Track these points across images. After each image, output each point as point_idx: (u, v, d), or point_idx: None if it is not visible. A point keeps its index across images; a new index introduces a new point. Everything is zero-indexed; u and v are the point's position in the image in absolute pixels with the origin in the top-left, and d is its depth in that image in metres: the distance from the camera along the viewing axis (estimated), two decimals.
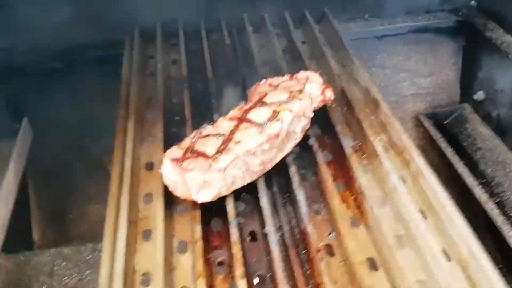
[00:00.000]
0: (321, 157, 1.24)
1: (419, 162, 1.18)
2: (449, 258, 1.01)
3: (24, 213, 1.96)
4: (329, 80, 1.56)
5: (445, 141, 1.93)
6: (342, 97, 1.47)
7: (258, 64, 1.63)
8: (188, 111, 1.41)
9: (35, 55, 1.88)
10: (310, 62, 1.63)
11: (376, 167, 1.23)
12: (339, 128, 1.34)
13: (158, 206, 1.14)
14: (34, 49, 1.86)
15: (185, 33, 1.82)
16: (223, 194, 1.11)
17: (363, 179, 1.17)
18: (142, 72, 1.65)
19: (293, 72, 1.56)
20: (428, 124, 2.01)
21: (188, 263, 1.05)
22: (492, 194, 1.77)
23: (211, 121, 1.33)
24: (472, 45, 1.98)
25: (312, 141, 1.29)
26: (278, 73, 1.53)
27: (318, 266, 0.99)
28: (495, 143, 1.91)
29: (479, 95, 1.99)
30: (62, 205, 2.09)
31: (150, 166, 1.30)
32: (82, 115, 2.03)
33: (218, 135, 1.14)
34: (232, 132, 1.14)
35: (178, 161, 1.07)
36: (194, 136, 1.16)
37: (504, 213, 1.70)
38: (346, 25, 1.91)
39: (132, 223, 1.13)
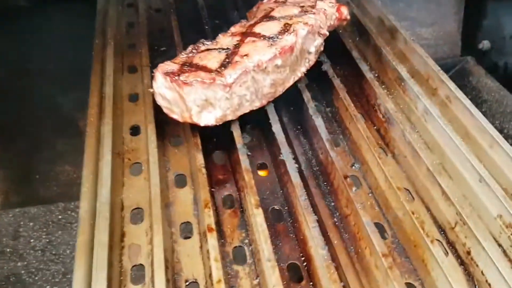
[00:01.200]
0: (338, 83, 1.07)
1: (450, 86, 1.03)
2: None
3: None
4: None
5: None
6: (354, 24, 1.30)
7: None
8: (177, 36, 1.21)
9: None
10: None
11: (400, 95, 1.07)
12: (355, 53, 1.17)
13: (149, 136, 0.94)
14: None
15: None
16: (229, 118, 0.92)
17: (389, 103, 1.01)
18: (120, 2, 1.43)
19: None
20: None
21: (188, 197, 0.87)
22: None
23: None
24: None
25: (326, 67, 1.11)
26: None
27: (345, 196, 0.82)
28: (503, 94, 1.78)
29: (485, 44, 1.86)
30: (28, 164, 1.84)
31: (134, 97, 1.10)
32: (51, 62, 1.79)
33: (220, 49, 0.95)
34: (237, 46, 0.95)
35: (174, 74, 0.88)
36: (191, 51, 0.96)
37: None
38: None
39: (117, 154, 0.93)
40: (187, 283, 0.75)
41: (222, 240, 0.80)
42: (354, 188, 0.82)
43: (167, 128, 1.00)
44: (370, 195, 0.88)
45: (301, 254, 0.80)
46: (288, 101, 1.04)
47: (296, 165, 0.86)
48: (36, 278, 1.30)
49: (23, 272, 1.31)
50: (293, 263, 0.79)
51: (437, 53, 1.98)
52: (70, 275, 1.32)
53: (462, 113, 0.98)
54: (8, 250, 1.36)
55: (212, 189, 0.89)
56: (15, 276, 1.30)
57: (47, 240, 1.39)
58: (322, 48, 1.09)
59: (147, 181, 0.88)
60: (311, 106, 1.00)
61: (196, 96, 0.87)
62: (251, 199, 0.79)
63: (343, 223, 0.83)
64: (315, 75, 1.09)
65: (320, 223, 0.79)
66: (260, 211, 0.77)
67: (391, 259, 0.74)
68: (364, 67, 1.12)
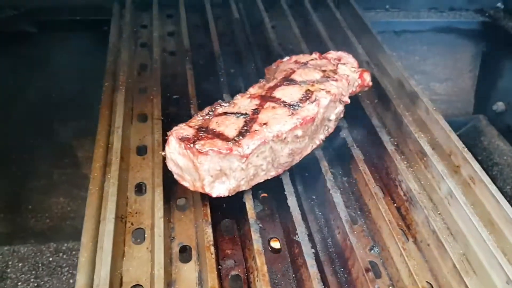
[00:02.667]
0: (358, 154, 1.02)
1: (475, 166, 0.98)
2: None
3: None
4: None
5: None
6: (374, 86, 1.25)
7: (273, 44, 1.39)
8: (191, 88, 1.16)
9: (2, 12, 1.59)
10: (333, 47, 1.40)
11: (421, 171, 1.02)
12: (375, 121, 1.12)
13: (156, 200, 0.88)
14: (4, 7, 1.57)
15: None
16: (242, 188, 0.87)
17: (412, 182, 0.95)
18: (133, 42, 1.39)
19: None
20: None
21: (193, 274, 0.81)
22: None
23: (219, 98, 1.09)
24: (495, 50, 1.82)
25: (345, 133, 1.06)
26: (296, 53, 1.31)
27: None
28: None
29: (499, 106, 1.82)
30: (20, 192, 1.77)
31: (142, 151, 1.04)
32: (53, 89, 1.74)
33: (238, 113, 0.90)
34: (256, 112, 0.90)
35: (189, 141, 0.82)
36: (207, 114, 0.91)
37: None
38: (364, 14, 1.71)
39: (120, 218, 0.87)
40: None
41: None
42: (376, 286, 0.75)
43: (174, 187, 0.94)
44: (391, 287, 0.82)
45: None
46: (304, 169, 0.98)
47: (313, 250, 0.79)
48: None
49: None
50: None
51: (449, 109, 1.95)
52: None
53: (486, 199, 0.93)
54: None
55: (219, 267, 0.82)
56: None
57: (35, 285, 1.32)
58: (342, 115, 1.04)
59: (149, 252, 0.82)
60: (329, 178, 0.94)
61: (210, 165, 0.81)
62: (266, 286, 0.72)
63: None
64: (333, 141, 1.04)
65: None
66: None
67: None
68: (385, 137, 1.07)
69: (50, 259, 1.38)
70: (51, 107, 1.73)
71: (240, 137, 0.84)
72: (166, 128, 1.05)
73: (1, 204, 1.75)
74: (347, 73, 1.06)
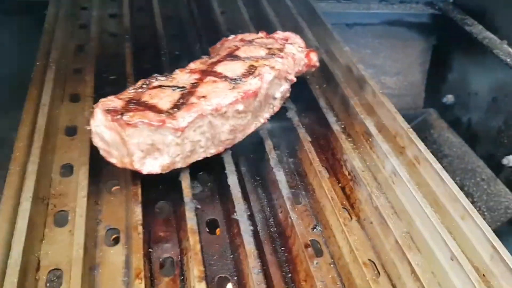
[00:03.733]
0: (303, 134, 0.98)
1: (420, 146, 0.96)
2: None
3: None
4: None
5: None
6: (323, 71, 1.22)
7: (222, 30, 1.34)
8: (129, 66, 1.09)
9: None
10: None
11: (366, 151, 0.99)
12: (322, 103, 1.08)
13: (80, 179, 0.81)
14: None
15: None
16: (178, 165, 0.80)
17: (356, 161, 0.92)
18: (71, 22, 1.30)
19: None
20: None
21: (120, 258, 0.74)
22: None
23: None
24: (445, 43, 1.84)
25: (291, 114, 1.02)
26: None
27: (305, 269, 0.71)
28: (464, 150, 1.76)
29: (449, 99, 1.84)
30: None
31: (72, 131, 0.96)
32: None
33: (175, 87, 0.84)
34: (195, 86, 0.84)
35: (117, 112, 0.75)
36: (140, 87, 0.84)
37: None
38: (315, 4, 1.69)
39: (41, 199, 0.79)
40: None
41: None
42: (315, 262, 0.71)
43: (105, 169, 0.87)
44: (332, 266, 0.78)
45: None
46: (248, 149, 0.93)
47: (251, 228, 0.74)
48: None
49: None
50: None
51: (400, 102, 1.95)
52: None
53: (431, 178, 0.91)
54: None
55: (150, 249, 0.76)
56: None
57: None
58: (288, 94, 1.00)
59: (72, 235, 0.74)
60: (272, 157, 0.89)
61: (140, 139, 0.74)
62: (195, 270, 0.66)
63: None
64: (278, 121, 1.00)
65: None
66: (203, 286, 0.64)
67: None
68: (331, 118, 1.03)
69: None
70: None
71: (175, 109, 0.78)
72: None
73: None
74: (293, 52, 1.02)
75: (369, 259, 0.78)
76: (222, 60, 0.93)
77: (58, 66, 1.08)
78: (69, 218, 0.78)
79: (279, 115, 1.00)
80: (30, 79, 1.24)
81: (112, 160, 0.78)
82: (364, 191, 0.87)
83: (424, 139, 1.86)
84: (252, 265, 0.68)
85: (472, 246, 0.80)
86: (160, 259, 0.75)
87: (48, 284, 0.68)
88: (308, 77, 1.15)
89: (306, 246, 0.72)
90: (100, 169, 0.86)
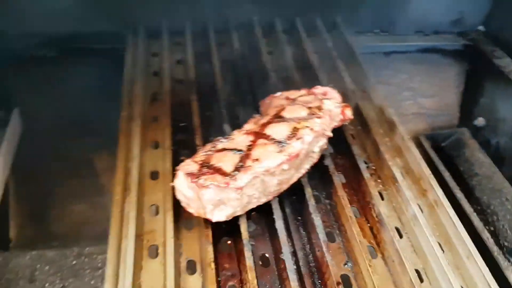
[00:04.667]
0: (337, 180, 1.19)
1: (438, 192, 1.15)
2: None
3: (2, 209, 1.83)
4: (343, 95, 1.52)
5: (442, 164, 1.92)
6: (357, 115, 1.42)
7: (269, 71, 1.56)
8: (196, 118, 1.34)
9: (27, 41, 1.76)
10: (322, 76, 1.57)
11: (393, 194, 1.19)
12: (355, 149, 1.29)
13: (166, 219, 1.06)
14: (26, 34, 1.75)
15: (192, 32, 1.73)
16: (238, 213, 1.05)
17: (382, 207, 1.13)
18: (146, 70, 1.56)
19: (304, 83, 1.52)
20: (427, 145, 1.99)
21: (197, 286, 0.99)
22: (486, 223, 1.77)
23: (221, 132, 1.27)
24: (477, 70, 1.97)
25: (328, 162, 1.24)
26: (289, 82, 1.49)
27: None
28: (492, 170, 1.90)
29: (480, 121, 1.98)
30: (43, 202, 1.97)
31: (155, 175, 1.22)
32: (72, 109, 1.92)
33: (235, 150, 1.07)
34: (250, 149, 1.07)
35: (194, 176, 1.00)
36: (209, 150, 1.09)
37: (497, 242, 1.70)
38: (355, 37, 1.87)
39: (138, 236, 1.05)
40: None
41: None
42: None
43: (181, 209, 1.12)
44: None
45: None
46: (291, 194, 1.16)
47: (295, 267, 0.98)
48: None
49: None
50: None
51: (436, 122, 2.11)
52: None
53: (446, 220, 1.11)
54: None
55: (219, 279, 1.00)
56: None
57: (61, 285, 1.51)
58: (325, 146, 1.21)
59: (163, 265, 1.00)
60: (311, 203, 1.12)
61: (211, 197, 0.99)
62: None
63: None
64: (317, 169, 1.21)
65: None
66: None
67: None
68: (362, 165, 1.24)
69: (74, 262, 1.56)
70: (68, 124, 1.92)
71: (236, 172, 1.02)
72: (175, 155, 1.24)
73: (27, 211, 1.95)
74: (331, 108, 1.22)
75: None
76: (271, 121, 1.16)
77: (140, 116, 1.33)
78: (158, 251, 1.04)
79: (318, 163, 1.21)
80: (103, 111, 1.52)
81: (191, 210, 1.03)
82: (388, 233, 1.08)
83: (457, 157, 2.03)
84: None
85: (474, 283, 1.00)
86: (227, 286, 1.00)
87: None
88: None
89: (338, 283, 0.95)
90: (178, 210, 1.11)
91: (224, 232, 1.08)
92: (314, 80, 1.55)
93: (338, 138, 1.32)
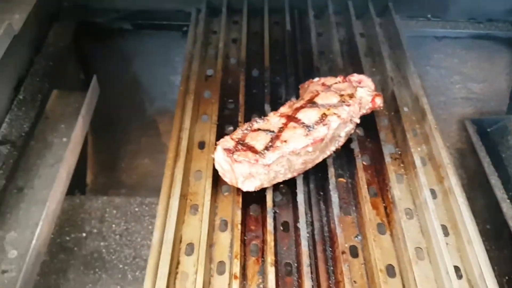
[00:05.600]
0: (360, 162, 1.33)
1: (452, 180, 1.26)
2: (460, 277, 1.11)
3: (81, 159, 2.15)
4: (381, 80, 1.62)
5: (484, 150, 1.96)
6: (392, 101, 1.53)
7: (315, 54, 1.68)
8: (242, 97, 1.51)
9: (107, 15, 2.00)
10: (366, 61, 1.67)
11: (411, 179, 1.31)
12: (383, 134, 1.41)
13: (206, 184, 1.27)
14: (106, 9, 1.99)
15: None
16: (265, 186, 1.23)
17: (396, 190, 1.25)
18: (204, 49, 1.74)
19: (347, 68, 1.63)
20: (472, 130, 2.03)
21: (227, 241, 1.19)
22: None
23: (262, 111, 1.44)
24: None
25: (354, 145, 1.37)
26: (332, 66, 1.61)
27: (341, 266, 1.10)
28: None
29: None
30: (115, 155, 2.28)
31: (202, 145, 1.42)
32: (142, 76, 2.18)
33: (267, 131, 1.24)
34: (281, 130, 1.24)
35: (230, 151, 1.19)
36: (246, 129, 1.26)
37: None
38: (407, 22, 1.92)
39: (183, 196, 1.26)
40: None
41: (244, 282, 1.12)
42: (349, 260, 1.10)
43: (219, 177, 1.31)
44: (362, 265, 1.16)
45: None
46: (316, 172, 1.31)
47: (308, 235, 1.15)
48: (113, 257, 1.72)
49: (104, 251, 1.73)
50: None
51: (484, 108, 2.12)
52: (138, 259, 1.73)
53: (456, 207, 1.22)
54: (94, 231, 1.78)
55: (245, 237, 1.20)
56: (98, 253, 1.72)
57: (125, 227, 1.80)
58: (352, 131, 1.34)
59: (200, 222, 1.21)
60: (332, 181, 1.27)
61: (242, 170, 1.18)
62: (269, 258, 1.10)
63: (336, 286, 1.12)
64: (343, 151, 1.35)
65: (317, 284, 1.10)
66: (273, 270, 1.08)
67: None
68: (387, 150, 1.36)
69: (136, 209, 1.85)
70: (139, 89, 2.18)
71: (265, 150, 1.19)
72: (220, 129, 1.43)
73: (102, 162, 2.27)
74: (362, 96, 1.34)
75: (389, 264, 1.14)
76: (304, 106, 1.30)
77: (194, 91, 1.53)
78: (198, 210, 1.25)
79: (345, 144, 1.35)
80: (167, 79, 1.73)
81: (226, 179, 1.23)
82: (398, 214, 1.21)
83: (500, 144, 2.06)
84: (304, 260, 1.09)
85: (470, 265, 1.12)
86: (251, 244, 1.19)
87: (185, 252, 1.17)
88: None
89: (343, 252, 1.11)
90: (218, 178, 1.31)
91: (253, 199, 1.27)
92: (357, 65, 1.66)
93: (369, 123, 1.44)
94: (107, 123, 2.23)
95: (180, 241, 1.19)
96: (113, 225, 1.82)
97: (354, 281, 1.12)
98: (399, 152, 1.41)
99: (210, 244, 1.18)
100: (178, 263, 1.15)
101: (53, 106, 1.77)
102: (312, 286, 1.08)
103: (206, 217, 1.19)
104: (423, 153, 1.38)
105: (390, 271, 1.14)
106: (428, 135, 1.40)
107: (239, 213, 1.20)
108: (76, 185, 2.10)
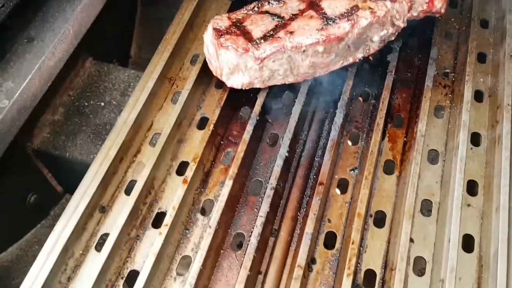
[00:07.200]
0: (390, 79, 1.02)
1: (506, 127, 0.92)
2: (470, 249, 0.84)
3: (128, 32, 2.03)
4: None
5: None
6: (465, 10, 1.15)
7: None
8: None
9: None
10: None
11: (454, 115, 0.99)
12: (435, 51, 1.07)
13: (195, 70, 1.06)
14: None
15: None
16: (256, 86, 0.99)
17: (424, 123, 0.95)
18: None
19: None
20: None
21: (198, 139, 1.00)
22: None
23: None
24: None
25: (391, 57, 1.05)
26: None
27: (317, 198, 0.87)
28: None
29: None
30: (160, 30, 2.12)
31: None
32: None
33: (276, 15, 0.97)
34: (292, 18, 0.96)
35: (219, 33, 0.95)
36: (252, 9, 1.00)
37: None
38: None
39: (168, 78, 1.08)
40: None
41: (202, 189, 0.94)
42: (318, 198, 0.87)
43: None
44: (346, 204, 0.92)
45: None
46: (328, 83, 1.04)
47: (287, 154, 0.92)
48: None
49: None
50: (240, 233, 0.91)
51: None
52: None
53: (497, 163, 0.90)
54: (114, 102, 1.69)
55: (221, 142, 1.01)
56: (110, 126, 1.65)
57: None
58: (392, 38, 1.02)
59: (177, 112, 1.02)
60: (344, 97, 1.00)
61: (228, 59, 0.94)
62: (231, 171, 0.90)
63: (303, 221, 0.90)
64: (374, 61, 1.05)
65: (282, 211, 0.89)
66: (230, 183, 0.89)
67: None
68: (432, 71, 1.03)
69: None
70: None
71: (262, 40, 0.93)
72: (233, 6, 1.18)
73: (149, 36, 2.13)
74: None
75: (380, 210, 0.89)
76: None
77: None
78: (178, 99, 1.06)
79: (379, 55, 1.04)
80: None
81: (211, 67, 1.01)
82: (417, 154, 0.92)
83: None
84: (271, 181, 0.88)
85: (488, 239, 0.84)
86: (224, 151, 1.00)
87: (151, 141, 1.00)
88: (439, 17, 1.10)
89: (320, 183, 0.88)
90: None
91: (244, 101, 1.04)
92: None
93: (420, 32, 1.09)
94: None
95: (149, 129, 1.03)
96: None
97: (329, 220, 0.89)
98: (452, 79, 1.06)
99: (179, 140, 1.01)
100: (138, 151, 1.00)
101: None
102: (272, 211, 0.88)
103: (184, 108, 1.01)
104: (484, 86, 1.03)
105: (378, 219, 0.89)
106: (499, 64, 1.04)
107: (217, 112, 1.00)
108: (118, 55, 2.01)
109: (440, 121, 0.99)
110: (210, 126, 0.98)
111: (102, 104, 1.70)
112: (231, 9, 1.17)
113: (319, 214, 0.86)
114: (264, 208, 0.86)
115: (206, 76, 1.06)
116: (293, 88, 1.02)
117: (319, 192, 0.87)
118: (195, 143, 1.00)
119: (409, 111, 1.04)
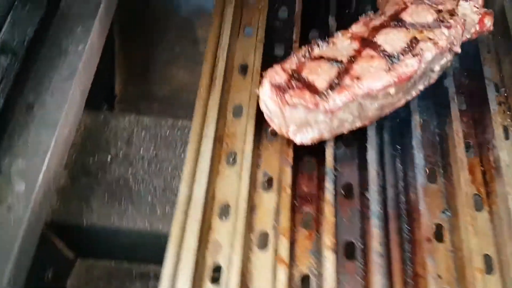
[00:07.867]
0: (456, 107, 0.98)
1: None
2: None
3: (108, 67, 1.88)
4: None
5: None
6: (499, 20, 1.11)
7: None
8: (299, 3, 1.14)
9: None
10: None
11: None
12: (487, 68, 1.03)
13: (248, 125, 0.97)
14: None
15: None
16: (325, 137, 0.92)
17: (504, 151, 0.92)
18: None
19: None
20: None
21: (271, 204, 0.91)
22: None
23: (324, 27, 1.08)
24: None
25: (448, 82, 1.01)
26: None
27: (422, 256, 0.82)
28: None
29: None
30: (147, 63, 1.98)
31: (244, 70, 1.10)
32: None
33: (333, 60, 0.90)
34: (352, 61, 0.89)
35: (281, 89, 0.87)
36: (304, 55, 0.92)
37: None
38: None
39: (218, 139, 0.98)
40: None
41: (292, 262, 0.86)
42: (432, 245, 0.82)
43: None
44: (451, 254, 0.87)
45: None
46: (394, 119, 0.98)
47: (380, 209, 0.86)
48: (140, 187, 1.51)
49: (130, 178, 1.52)
50: None
51: None
52: (168, 192, 1.52)
53: None
54: (121, 154, 1.56)
55: (295, 202, 0.93)
56: (124, 181, 1.52)
57: (154, 153, 1.57)
58: (449, 64, 0.98)
59: (239, 176, 0.93)
60: (416, 134, 0.94)
61: (296, 116, 0.87)
62: (326, 239, 0.83)
63: (414, 281, 0.84)
64: (432, 90, 1.00)
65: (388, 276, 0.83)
66: (332, 255, 0.81)
67: None
68: (492, 91, 0.99)
69: (167, 132, 1.59)
70: None
71: (329, 90, 0.86)
72: (268, 48, 1.10)
73: (132, 69, 1.99)
74: (466, 13, 0.95)
75: (486, 254, 0.85)
76: (385, 25, 0.93)
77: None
78: (237, 159, 0.97)
79: (436, 81, 0.99)
80: None
81: (273, 125, 0.92)
82: (502, 185, 0.89)
83: None
84: (374, 246, 0.82)
85: None
86: (302, 213, 0.91)
87: (219, 215, 0.90)
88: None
89: (428, 239, 0.82)
90: (263, 116, 1.00)
91: (307, 150, 0.97)
92: None
93: (468, 51, 1.05)
94: (136, 27, 1.90)
95: (213, 199, 0.93)
96: (141, 149, 1.59)
97: (439, 276, 0.84)
98: (505, 95, 1.03)
99: (250, 206, 0.91)
100: (209, 228, 0.90)
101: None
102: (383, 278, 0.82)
103: (246, 170, 0.91)
104: None
105: (486, 264, 0.85)
106: None
107: (288, 171, 0.92)
108: (104, 96, 1.86)
109: (510, 144, 0.96)
110: (286, 189, 0.89)
111: (109, 158, 1.57)
112: (265, 50, 1.08)
113: (431, 272, 0.80)
114: (377, 278, 0.79)
115: (256, 130, 0.98)
116: (357, 132, 0.96)
117: (427, 247, 0.81)
118: (269, 208, 0.91)
119: (475, 137, 1.00)
